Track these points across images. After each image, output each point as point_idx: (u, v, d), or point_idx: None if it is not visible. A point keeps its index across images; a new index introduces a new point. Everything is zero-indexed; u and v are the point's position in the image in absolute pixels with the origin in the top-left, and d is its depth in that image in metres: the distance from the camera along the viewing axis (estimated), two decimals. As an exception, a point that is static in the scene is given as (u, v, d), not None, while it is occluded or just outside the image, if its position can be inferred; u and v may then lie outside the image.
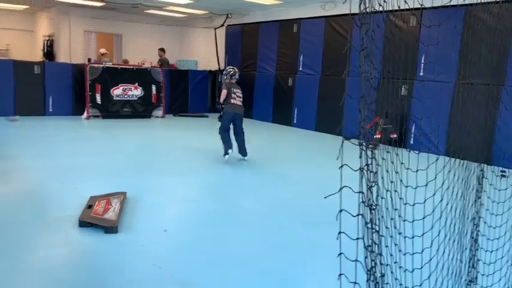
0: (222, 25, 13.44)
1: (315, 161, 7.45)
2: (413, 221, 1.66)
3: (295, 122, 11.39)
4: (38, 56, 14.78)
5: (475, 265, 2.20)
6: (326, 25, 10.53)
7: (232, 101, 7.06)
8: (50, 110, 11.05)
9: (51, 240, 3.74)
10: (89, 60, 12.71)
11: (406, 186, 1.57)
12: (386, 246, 1.40)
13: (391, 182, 1.45)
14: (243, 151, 7.04)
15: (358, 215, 1.20)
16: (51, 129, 9.42)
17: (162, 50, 13.71)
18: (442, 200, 1.79)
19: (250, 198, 5.18)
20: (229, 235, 4.00)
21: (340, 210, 1.19)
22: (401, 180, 1.54)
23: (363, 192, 1.19)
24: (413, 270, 1.70)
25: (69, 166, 6.20)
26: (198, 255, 3.53)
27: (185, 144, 8.44)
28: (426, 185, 1.68)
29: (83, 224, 3.95)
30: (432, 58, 8.09)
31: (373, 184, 1.22)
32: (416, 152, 1.89)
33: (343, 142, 1.15)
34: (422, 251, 1.70)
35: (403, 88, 8.79)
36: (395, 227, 1.49)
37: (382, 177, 1.39)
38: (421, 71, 8.58)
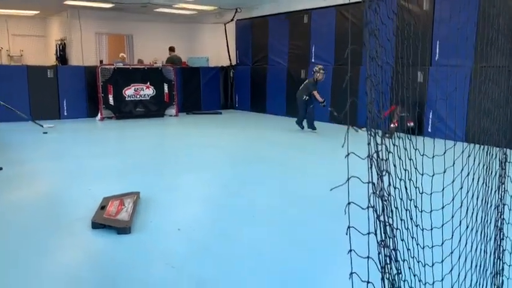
0: (232, 20, 13.35)
1: (331, 154, 7.32)
2: (431, 211, 1.54)
3: (309, 114, 11.23)
4: (51, 60, 14.93)
5: (501, 256, 2.07)
6: (337, 14, 10.34)
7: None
8: (65, 114, 11.13)
9: (64, 242, 3.72)
10: (101, 62, 12.76)
11: (422, 174, 1.46)
12: (402, 240, 1.29)
13: (405, 170, 1.34)
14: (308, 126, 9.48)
15: (368, 207, 1.09)
16: (66, 132, 9.47)
17: (171, 48, 13.65)
18: (461, 187, 1.67)
19: (264, 193, 5.08)
20: (245, 232, 3.92)
21: (349, 203, 1.08)
22: (416, 168, 1.43)
23: (373, 183, 1.08)
24: (433, 265, 1.59)
25: (83, 168, 6.20)
26: (212, 254, 3.46)
27: (198, 142, 8.39)
28: (444, 172, 1.56)
29: (96, 225, 3.91)
30: (448, 41, 7.86)
31: (384, 173, 1.11)
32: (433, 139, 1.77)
33: (348, 128, 1.04)
34: (443, 243, 1.59)
35: (419, 74, 8.57)
36: (411, 219, 1.38)
37: (395, 165, 1.28)
38: (437, 55, 8.35)
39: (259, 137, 9.02)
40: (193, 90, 12.93)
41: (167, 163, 6.67)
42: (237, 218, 4.26)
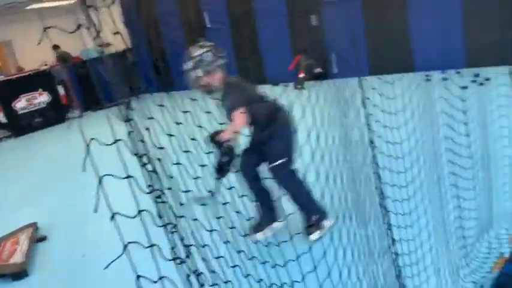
0: (113, 2, 12.34)
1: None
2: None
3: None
4: None
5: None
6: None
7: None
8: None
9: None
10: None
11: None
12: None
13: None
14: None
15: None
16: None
17: (55, 46, 12.37)
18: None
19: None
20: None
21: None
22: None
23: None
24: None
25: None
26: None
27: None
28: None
29: (-15, 277, 3.39)
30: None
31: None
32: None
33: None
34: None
35: (312, 18, 8.39)
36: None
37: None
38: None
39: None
40: (94, 85, 11.93)
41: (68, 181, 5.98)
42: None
